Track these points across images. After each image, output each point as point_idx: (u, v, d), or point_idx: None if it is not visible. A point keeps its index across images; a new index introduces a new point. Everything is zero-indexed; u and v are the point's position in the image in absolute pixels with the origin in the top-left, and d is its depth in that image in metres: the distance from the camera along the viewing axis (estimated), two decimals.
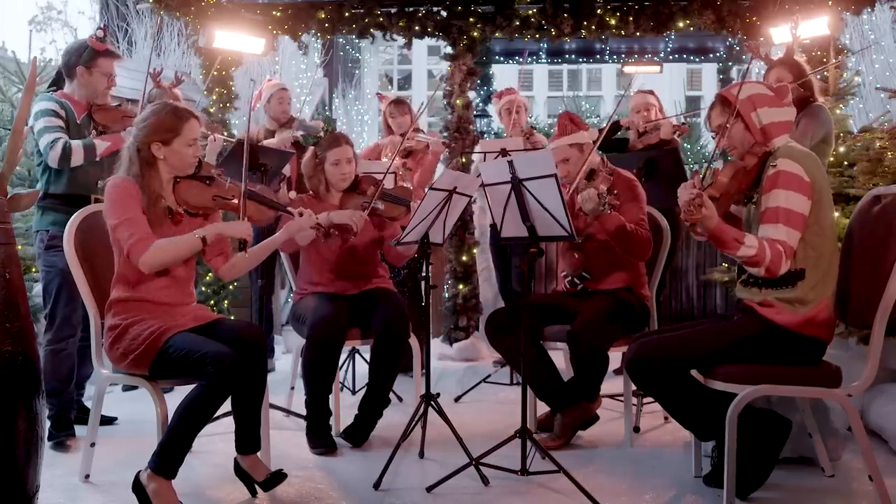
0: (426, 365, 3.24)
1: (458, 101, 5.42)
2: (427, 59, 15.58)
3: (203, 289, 5.21)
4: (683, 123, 4.80)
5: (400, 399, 4.06)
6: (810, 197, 2.47)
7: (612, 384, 3.86)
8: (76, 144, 3.27)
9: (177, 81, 4.22)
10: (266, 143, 4.64)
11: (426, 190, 3.02)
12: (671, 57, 9.80)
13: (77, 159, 3.27)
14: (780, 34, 5.16)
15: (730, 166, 2.62)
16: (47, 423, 2.98)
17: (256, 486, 2.71)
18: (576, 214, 3.36)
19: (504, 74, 11.36)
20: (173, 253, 2.63)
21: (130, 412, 3.82)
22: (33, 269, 3.96)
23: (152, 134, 2.66)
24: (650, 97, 4.74)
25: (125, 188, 2.63)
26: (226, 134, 5.01)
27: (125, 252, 2.60)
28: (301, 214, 2.92)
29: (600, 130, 3.48)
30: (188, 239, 2.65)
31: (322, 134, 4.67)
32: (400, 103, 4.88)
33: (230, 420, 2.76)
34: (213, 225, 2.74)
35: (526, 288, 2.99)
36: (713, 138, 2.75)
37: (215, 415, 2.57)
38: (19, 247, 2.90)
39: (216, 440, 3.24)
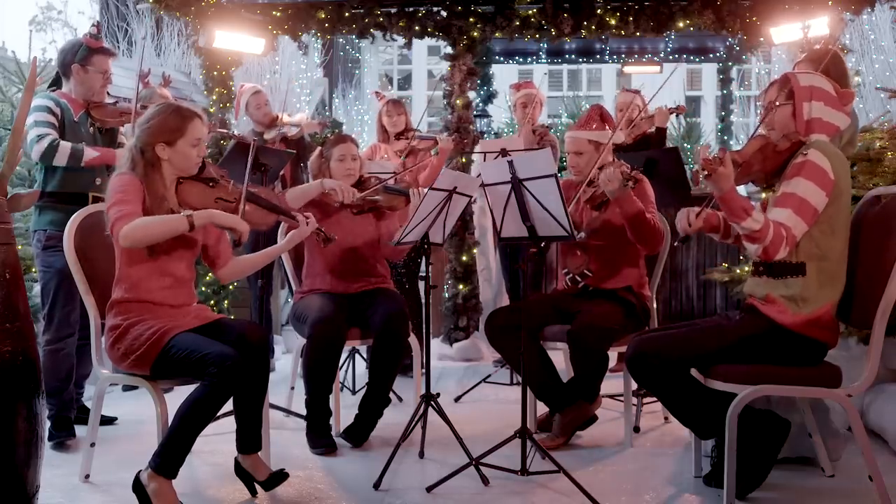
0: (426, 365, 3.24)
1: (458, 101, 5.41)
2: (427, 59, 15.57)
3: (203, 289, 5.21)
4: (679, 105, 4.82)
5: (400, 399, 4.06)
6: (829, 194, 2.46)
7: (612, 384, 3.86)
8: (64, 144, 3.26)
9: (165, 83, 4.23)
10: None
11: (426, 190, 3.03)
12: (671, 57, 9.80)
13: (61, 160, 3.25)
14: (781, 34, 5.16)
15: (758, 139, 2.60)
16: (47, 424, 2.98)
17: (257, 486, 2.71)
18: (580, 209, 3.36)
19: (504, 74, 11.36)
20: (155, 229, 2.53)
21: (130, 412, 3.82)
22: (33, 270, 3.95)
23: (156, 135, 2.64)
24: (634, 96, 4.81)
25: (130, 181, 2.61)
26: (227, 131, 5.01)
27: (109, 227, 2.56)
28: (306, 223, 2.91)
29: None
30: (174, 218, 2.57)
31: (305, 125, 4.72)
32: (396, 103, 4.88)
33: (230, 420, 2.76)
34: (206, 211, 2.64)
35: (526, 288, 2.98)
36: (758, 112, 2.72)
37: (216, 414, 2.57)
38: (19, 247, 2.89)
39: (216, 440, 3.23)
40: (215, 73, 5.57)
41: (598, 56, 9.94)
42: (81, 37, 3.45)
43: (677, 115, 4.85)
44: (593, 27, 5.40)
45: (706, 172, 2.40)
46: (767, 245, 2.45)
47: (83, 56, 3.39)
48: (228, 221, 2.64)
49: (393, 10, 5.47)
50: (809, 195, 2.45)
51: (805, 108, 2.55)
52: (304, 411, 3.33)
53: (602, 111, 3.42)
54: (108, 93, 3.55)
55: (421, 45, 14.17)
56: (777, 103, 2.58)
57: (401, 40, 5.71)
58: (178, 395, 2.56)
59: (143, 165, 2.64)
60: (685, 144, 10.72)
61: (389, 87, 15.65)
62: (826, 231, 2.48)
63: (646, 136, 4.65)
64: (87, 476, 2.88)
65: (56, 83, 3.52)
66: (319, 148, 3.65)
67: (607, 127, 3.38)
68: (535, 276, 4.72)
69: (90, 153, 3.30)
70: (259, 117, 4.84)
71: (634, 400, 3.58)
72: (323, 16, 5.52)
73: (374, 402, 3.37)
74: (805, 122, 2.55)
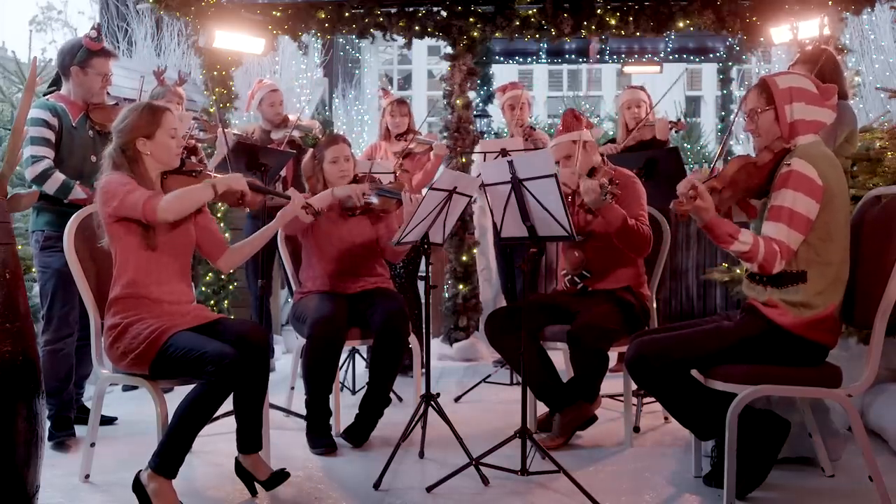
0: (426, 365, 3.24)
1: (458, 101, 5.41)
2: (427, 59, 15.59)
3: (203, 289, 5.20)
4: (680, 120, 4.80)
5: (400, 399, 4.05)
6: (819, 201, 2.43)
7: (612, 384, 3.86)
8: (57, 176, 3.26)
9: (180, 81, 4.21)
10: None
11: (426, 190, 3.04)
12: (671, 57, 9.81)
13: (50, 188, 3.26)
14: (781, 34, 5.16)
15: (737, 160, 2.59)
16: (47, 424, 2.98)
17: (257, 486, 2.72)
18: (575, 212, 3.36)
19: (504, 74, 11.38)
20: (185, 201, 2.64)
21: (130, 412, 3.82)
22: (33, 270, 3.96)
23: (135, 130, 2.69)
24: (641, 93, 4.74)
25: (122, 178, 2.65)
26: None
27: (140, 212, 2.59)
28: (290, 198, 2.97)
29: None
30: (199, 188, 2.68)
31: (319, 134, 4.67)
32: (401, 103, 4.88)
33: (230, 420, 2.76)
34: (222, 177, 2.76)
35: (525, 288, 2.99)
36: (743, 119, 2.71)
37: (216, 414, 2.57)
38: (19, 247, 2.89)
39: (216, 440, 3.24)
40: (215, 73, 5.56)
41: (598, 56, 9.95)
42: (81, 38, 3.43)
43: (676, 131, 4.82)
44: (593, 27, 5.39)
45: (678, 212, 2.41)
46: (761, 262, 2.45)
47: (82, 58, 3.38)
48: (236, 182, 2.75)
49: (393, 10, 5.47)
50: (799, 206, 2.43)
51: (787, 111, 2.53)
52: (304, 411, 3.33)
53: (574, 113, 3.43)
54: (108, 93, 3.54)
55: (421, 45, 14.20)
56: (759, 111, 2.57)
57: (401, 40, 5.70)
58: (179, 395, 2.56)
59: (127, 163, 2.69)
60: (685, 144, 10.73)
61: (389, 87, 15.66)
62: (823, 237, 2.46)
63: (644, 142, 4.62)
64: (87, 476, 2.88)
65: (56, 83, 3.51)
66: (311, 150, 3.64)
67: (583, 127, 3.37)
68: (531, 277, 4.71)
69: (78, 192, 3.30)
70: (270, 115, 4.80)
71: (634, 400, 3.58)
72: (323, 16, 5.52)
73: (374, 402, 3.37)
74: (788, 125, 2.53)
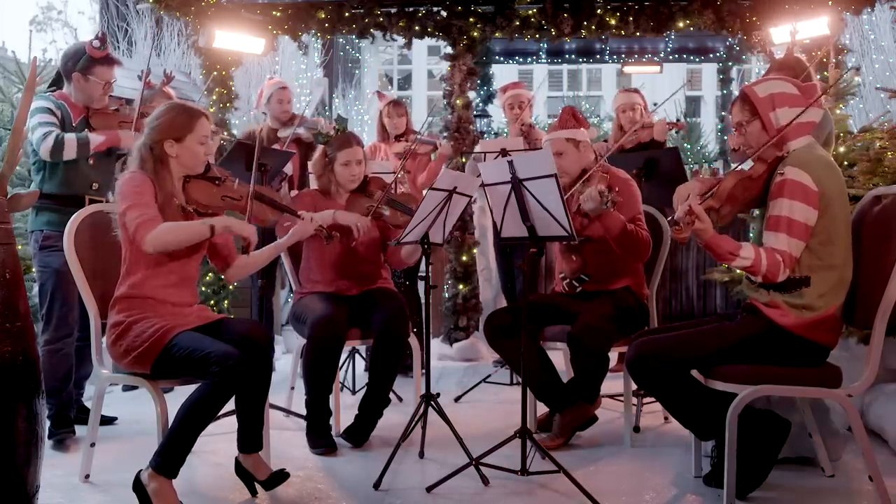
0: (426, 365, 3.24)
1: (458, 101, 5.42)
2: (427, 59, 15.60)
3: (203, 289, 5.21)
4: (679, 120, 4.79)
5: (400, 399, 4.06)
6: (816, 207, 2.43)
7: (612, 384, 3.86)
8: (69, 137, 3.26)
9: (167, 79, 4.19)
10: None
11: (426, 191, 3.03)
12: (671, 57, 9.80)
13: (70, 153, 3.25)
14: (781, 34, 5.16)
15: (733, 175, 2.59)
16: (47, 423, 2.99)
17: (257, 486, 2.72)
18: (572, 216, 3.36)
19: (504, 74, 11.38)
20: (180, 235, 2.61)
21: (130, 412, 3.82)
22: (33, 270, 3.95)
23: (165, 132, 2.67)
24: (635, 96, 4.74)
25: (141, 180, 2.64)
26: (225, 133, 4.99)
27: (131, 232, 2.58)
28: (309, 218, 2.95)
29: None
30: (197, 225, 2.64)
31: (322, 129, 4.65)
32: (398, 104, 4.88)
33: (231, 420, 2.76)
34: (222, 217, 2.73)
35: (526, 288, 2.98)
36: (734, 132, 2.70)
37: (217, 414, 2.57)
38: (19, 247, 2.89)
39: (217, 440, 3.23)
40: (215, 73, 5.56)
41: (598, 56, 9.95)
42: (85, 44, 3.40)
43: (677, 131, 4.82)
44: (593, 27, 5.40)
45: (677, 237, 2.41)
46: (766, 273, 2.45)
47: (84, 65, 3.36)
48: (242, 229, 2.70)
49: (393, 10, 5.47)
50: (796, 214, 2.42)
51: (772, 118, 2.52)
52: (304, 411, 3.33)
53: (574, 111, 3.41)
54: (111, 94, 3.52)
55: (421, 45, 14.20)
56: (745, 123, 2.56)
57: (401, 40, 5.71)
58: (178, 395, 2.56)
59: (152, 162, 2.67)
60: (685, 144, 10.73)
61: (389, 88, 15.66)
62: (824, 241, 2.46)
63: (643, 144, 4.62)
64: (87, 476, 2.88)
65: (57, 83, 3.51)
66: (322, 147, 3.57)
67: (580, 126, 3.36)
68: (531, 277, 4.71)
69: (96, 139, 3.31)
70: (278, 113, 4.76)
71: (634, 400, 3.58)
72: (323, 16, 5.52)
73: (374, 402, 3.37)
74: (777, 132, 2.52)
